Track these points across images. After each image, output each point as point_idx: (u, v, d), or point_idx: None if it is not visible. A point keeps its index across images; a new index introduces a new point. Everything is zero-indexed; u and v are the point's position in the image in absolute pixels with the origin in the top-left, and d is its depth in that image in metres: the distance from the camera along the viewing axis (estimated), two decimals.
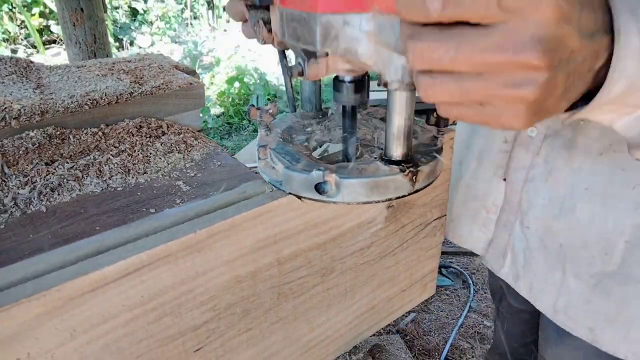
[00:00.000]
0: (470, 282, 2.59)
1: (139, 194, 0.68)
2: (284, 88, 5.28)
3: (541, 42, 0.32)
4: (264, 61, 5.56)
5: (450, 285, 2.59)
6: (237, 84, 4.97)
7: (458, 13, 0.33)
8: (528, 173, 0.76)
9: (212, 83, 5.08)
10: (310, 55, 0.46)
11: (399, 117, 0.47)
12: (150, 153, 0.80)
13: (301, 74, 0.47)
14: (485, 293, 2.53)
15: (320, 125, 0.63)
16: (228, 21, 7.94)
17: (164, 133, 0.86)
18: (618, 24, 0.36)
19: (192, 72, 1.08)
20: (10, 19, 6.28)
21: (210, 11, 7.88)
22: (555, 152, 0.73)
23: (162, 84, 0.93)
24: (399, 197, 0.49)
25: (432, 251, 0.71)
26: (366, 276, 0.64)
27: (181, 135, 0.86)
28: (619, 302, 0.71)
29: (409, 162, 0.49)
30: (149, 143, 0.82)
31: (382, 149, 0.59)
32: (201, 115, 1.06)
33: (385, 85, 0.44)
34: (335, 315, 0.64)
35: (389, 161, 0.49)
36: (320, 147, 0.60)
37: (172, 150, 0.81)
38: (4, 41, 6.13)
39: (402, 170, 0.48)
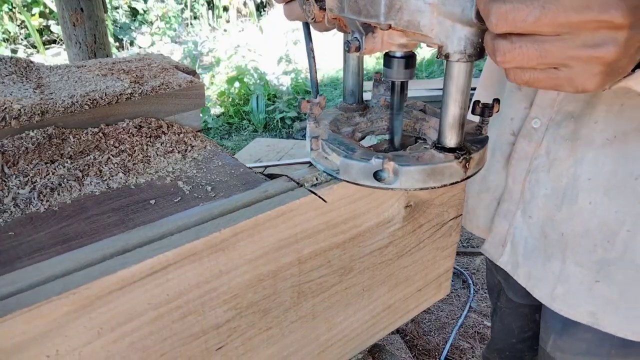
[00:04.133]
0: (470, 282, 2.59)
1: (139, 193, 0.68)
2: (283, 88, 5.25)
3: (625, 0, 0.33)
4: (264, 61, 5.56)
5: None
6: (237, 84, 4.96)
7: None
8: (530, 164, 0.78)
9: (212, 83, 5.07)
10: (368, 30, 0.47)
11: (454, 107, 0.48)
12: (150, 153, 0.80)
13: (358, 48, 0.49)
14: (485, 293, 2.53)
15: (363, 117, 0.64)
16: (228, 21, 7.94)
17: (164, 133, 0.86)
18: None
19: (192, 72, 1.08)
20: (10, 19, 6.27)
21: (210, 11, 7.87)
22: (558, 144, 0.74)
23: (162, 84, 0.93)
24: (452, 183, 0.51)
25: (448, 251, 0.72)
26: (383, 276, 0.64)
27: (181, 135, 0.86)
28: (621, 286, 0.73)
29: (462, 150, 0.51)
30: (149, 143, 0.82)
31: (424, 138, 0.61)
32: (201, 115, 1.06)
33: (447, 57, 0.45)
34: (353, 314, 0.64)
35: (443, 149, 0.51)
36: (364, 138, 0.62)
37: (172, 150, 0.81)
38: (4, 41, 6.11)
39: (457, 158, 0.50)
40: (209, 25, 7.72)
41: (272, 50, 5.87)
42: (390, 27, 0.46)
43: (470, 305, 2.46)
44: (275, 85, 5.21)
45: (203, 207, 0.50)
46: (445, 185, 0.51)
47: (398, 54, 0.52)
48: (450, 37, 0.44)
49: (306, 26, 0.63)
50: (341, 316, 0.62)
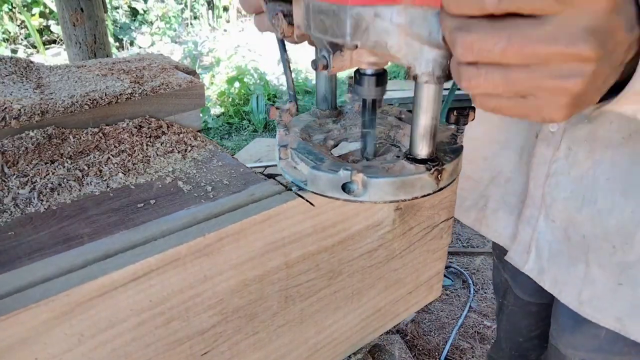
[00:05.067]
0: (470, 282, 2.58)
1: (139, 193, 0.68)
2: (284, 88, 5.24)
3: (594, 33, 0.33)
4: (264, 61, 5.55)
5: (450, 285, 2.59)
6: (237, 84, 4.96)
7: (513, 5, 0.33)
8: (549, 168, 0.77)
9: (212, 83, 5.07)
10: (335, 48, 0.46)
11: (425, 116, 0.46)
12: (150, 153, 0.79)
13: (325, 67, 0.47)
14: (485, 293, 2.53)
15: (337, 124, 0.63)
16: (228, 21, 7.94)
17: (164, 133, 0.86)
18: None
19: (192, 72, 1.08)
20: (10, 19, 6.27)
21: (210, 11, 7.87)
22: (576, 146, 0.74)
23: (162, 84, 0.93)
24: (424, 196, 0.50)
25: (439, 253, 0.71)
26: (373, 279, 0.64)
27: (181, 135, 0.86)
28: None
29: (434, 161, 0.49)
30: (149, 143, 0.82)
31: (398, 146, 0.59)
32: (201, 115, 1.05)
33: (415, 78, 0.44)
34: (342, 317, 0.63)
35: (414, 160, 0.50)
36: (337, 145, 0.60)
37: (172, 150, 0.81)
38: (4, 41, 6.11)
39: (428, 169, 0.49)
40: (209, 25, 7.72)
41: (272, 50, 5.86)
42: (356, 47, 0.45)
43: (470, 305, 2.45)
44: (275, 85, 5.21)
45: (188, 211, 0.50)
46: (416, 198, 0.50)
47: (369, 72, 0.50)
48: (419, 59, 0.42)
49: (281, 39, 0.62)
50: (330, 320, 0.62)
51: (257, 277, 0.52)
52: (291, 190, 0.53)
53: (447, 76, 0.43)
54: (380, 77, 0.50)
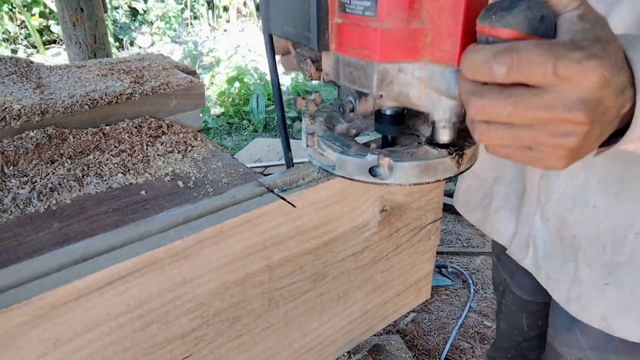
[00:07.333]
0: (470, 282, 2.58)
1: (139, 193, 0.68)
2: (283, 88, 5.21)
3: (585, 103, 0.39)
4: (264, 61, 5.54)
5: (450, 285, 2.58)
6: (237, 84, 4.96)
7: (519, 78, 0.39)
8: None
9: (212, 83, 5.07)
10: (361, 94, 0.50)
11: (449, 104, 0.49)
12: (150, 153, 0.79)
13: (352, 110, 0.53)
14: (485, 293, 2.52)
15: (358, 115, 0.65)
16: (228, 21, 7.94)
17: (164, 133, 0.86)
18: (638, 79, 0.43)
19: (192, 72, 1.08)
20: (10, 19, 6.28)
21: (210, 11, 7.87)
22: None
23: (162, 84, 0.93)
24: (446, 179, 0.53)
25: (427, 255, 0.70)
26: (359, 281, 0.63)
27: (181, 135, 0.85)
28: (631, 289, 0.74)
29: (455, 146, 0.52)
30: (149, 143, 0.82)
31: (418, 135, 0.62)
32: (201, 115, 1.05)
33: (433, 123, 0.50)
34: (328, 320, 0.63)
35: (437, 144, 0.52)
36: (358, 134, 0.63)
37: (172, 150, 0.80)
38: (4, 41, 6.12)
39: (450, 153, 0.51)
40: (209, 25, 7.71)
41: None
42: (381, 96, 0.49)
43: (470, 305, 2.44)
44: None
45: (168, 213, 0.49)
46: (439, 181, 0.52)
47: (388, 112, 0.53)
48: (437, 108, 0.48)
49: (270, 46, 0.62)
50: (316, 323, 0.61)
51: (238, 280, 0.51)
52: (272, 192, 0.53)
53: (462, 122, 0.48)
54: (399, 117, 0.54)
